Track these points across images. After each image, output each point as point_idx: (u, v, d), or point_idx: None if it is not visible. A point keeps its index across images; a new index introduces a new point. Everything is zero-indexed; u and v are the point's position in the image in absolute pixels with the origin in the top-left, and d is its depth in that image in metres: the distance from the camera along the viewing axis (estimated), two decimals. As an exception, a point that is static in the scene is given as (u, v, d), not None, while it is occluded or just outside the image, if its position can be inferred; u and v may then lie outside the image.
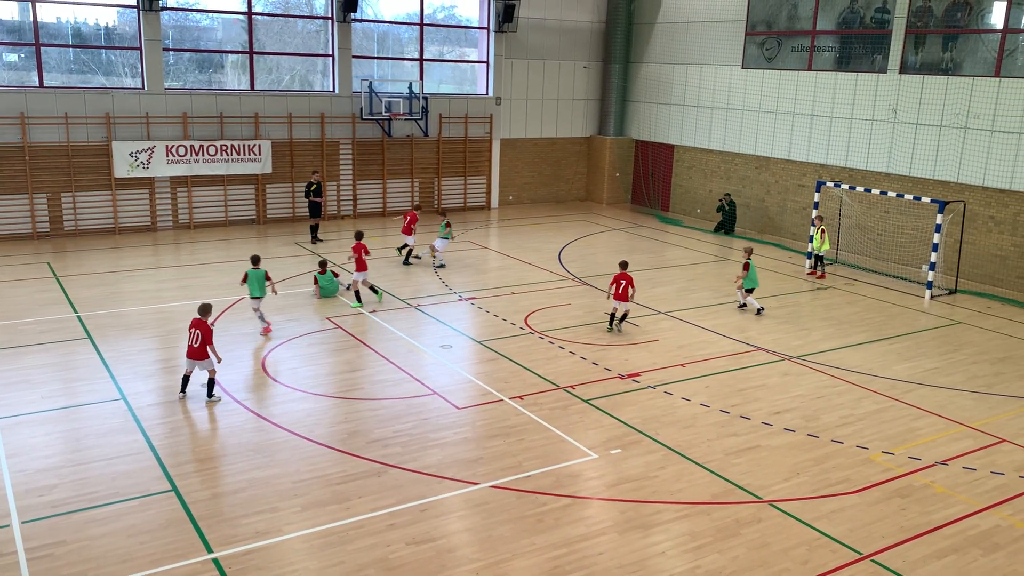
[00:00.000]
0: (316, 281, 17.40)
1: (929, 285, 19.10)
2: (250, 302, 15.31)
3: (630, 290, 15.54)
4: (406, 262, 20.62)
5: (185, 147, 23.29)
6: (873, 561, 8.67)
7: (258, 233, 23.78)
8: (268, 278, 15.09)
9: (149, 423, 11.35)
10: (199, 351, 11.90)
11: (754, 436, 11.55)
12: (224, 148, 23.81)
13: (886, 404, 12.84)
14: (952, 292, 19.62)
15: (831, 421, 12.12)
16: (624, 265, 15.92)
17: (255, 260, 15.21)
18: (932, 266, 19.09)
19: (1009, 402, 13.09)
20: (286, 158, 25.00)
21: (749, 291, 17.39)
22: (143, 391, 12.42)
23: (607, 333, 15.72)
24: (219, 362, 12.32)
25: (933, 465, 10.85)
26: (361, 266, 16.86)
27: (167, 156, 23.09)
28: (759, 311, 17.34)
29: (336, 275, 17.89)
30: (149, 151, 22.86)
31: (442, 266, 20.37)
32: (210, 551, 8.48)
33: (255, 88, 24.69)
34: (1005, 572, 8.58)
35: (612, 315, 15.86)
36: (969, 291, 19.76)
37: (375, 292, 17.21)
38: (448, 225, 20.67)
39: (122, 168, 22.66)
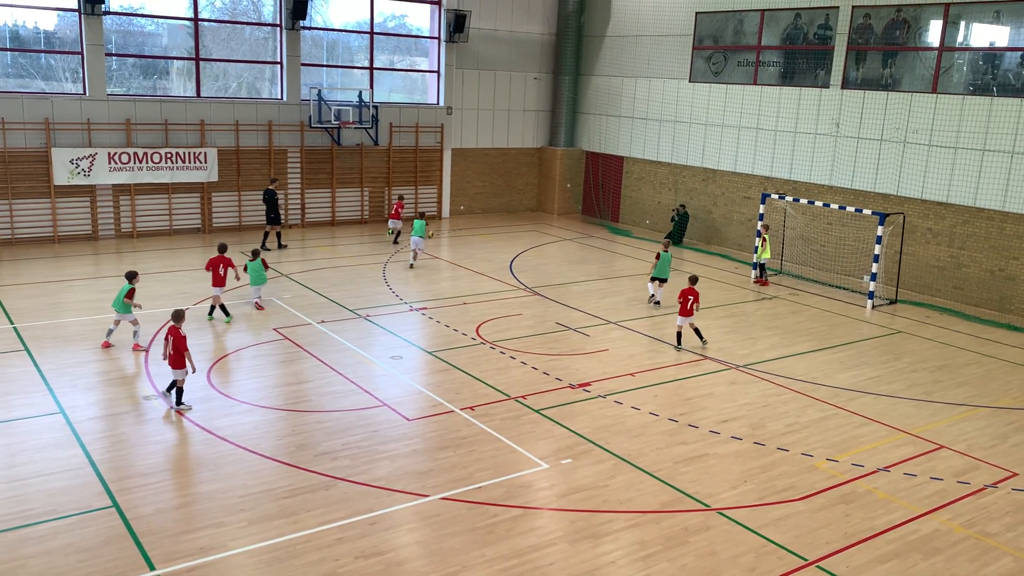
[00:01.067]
0: (245, 268, 16.90)
1: (871, 295, 19.58)
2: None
3: (696, 305, 15.59)
4: (395, 242, 24.10)
5: (128, 154, 22.79)
6: (819, 567, 8.82)
7: (203, 242, 23.35)
8: (128, 296, 14.28)
9: (89, 437, 11.03)
10: (174, 359, 11.86)
11: (702, 444, 11.67)
12: (169, 156, 23.37)
13: (830, 412, 13.09)
14: (893, 302, 20.13)
15: (777, 429, 12.32)
16: (693, 280, 15.97)
17: (128, 276, 14.49)
18: (873, 277, 19.57)
19: (947, 409, 13.46)
20: (233, 166, 24.62)
21: (660, 281, 18.40)
22: (83, 404, 12.08)
23: (676, 350, 15.65)
24: (192, 372, 12.18)
25: (875, 472, 11.09)
26: (217, 282, 16.07)
27: (109, 163, 22.57)
28: (654, 300, 18.52)
29: (267, 266, 17.16)
30: (90, 158, 22.32)
31: (411, 266, 21.35)
32: (152, 568, 8.25)
33: (201, 95, 24.31)
34: (945, 575, 8.78)
35: (679, 334, 15.81)
36: (909, 301, 20.30)
37: (225, 314, 16.23)
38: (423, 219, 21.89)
39: (62, 175, 22.08)
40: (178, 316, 12.15)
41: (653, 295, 18.63)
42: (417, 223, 21.20)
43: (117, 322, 14.55)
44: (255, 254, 17.19)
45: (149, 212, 23.80)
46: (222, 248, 16.58)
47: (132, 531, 8.88)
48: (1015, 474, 11.21)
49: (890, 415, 13.06)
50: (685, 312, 15.60)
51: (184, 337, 11.99)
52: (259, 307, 17.18)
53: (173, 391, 12.09)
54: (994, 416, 13.23)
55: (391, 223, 24.30)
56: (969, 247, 19.99)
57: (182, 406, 11.99)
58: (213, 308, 16.27)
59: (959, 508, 10.22)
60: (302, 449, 10.97)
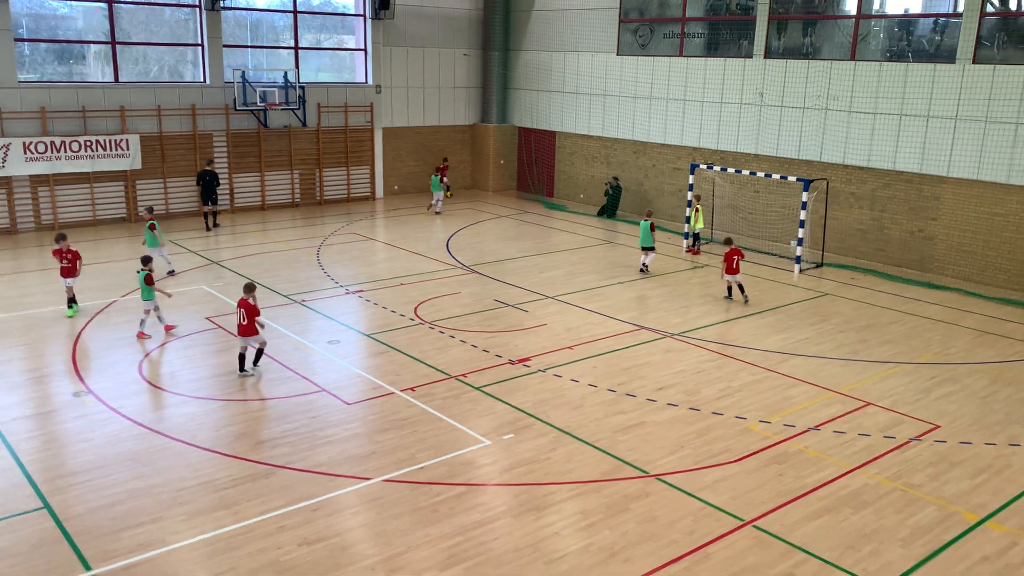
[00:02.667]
0: (153, 227, 17.53)
1: (798, 260, 20.10)
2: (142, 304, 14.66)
3: (739, 262, 17.17)
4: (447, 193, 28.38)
5: (45, 144, 21.96)
6: (755, 527, 9.10)
7: (130, 232, 22.71)
8: (148, 281, 14.34)
9: (16, 438, 10.70)
10: (248, 328, 12.57)
11: (640, 413, 11.90)
12: (88, 144, 22.60)
13: (762, 375, 13.46)
14: (819, 265, 20.71)
15: (711, 394, 12.62)
16: (729, 242, 17.39)
17: (143, 261, 14.57)
18: (800, 241, 20.09)
19: (873, 367, 13.95)
20: (156, 153, 23.95)
21: (645, 250, 19.45)
22: (8, 404, 11.68)
23: (726, 300, 17.36)
24: (262, 328, 12.92)
25: (806, 431, 11.46)
26: (65, 272, 15.45)
27: (25, 154, 21.72)
28: (642, 267, 19.61)
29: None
30: (4, 149, 21.44)
31: (438, 212, 26.00)
32: (88, 568, 8.09)
33: (120, 80, 23.52)
34: (874, 527, 9.16)
35: (730, 288, 17.44)
36: (834, 264, 20.91)
37: (70, 306, 15.62)
38: (441, 178, 26.45)
39: (-26, 168, 21.19)
40: (249, 288, 12.72)
41: (645, 265, 19.64)
42: (434, 179, 25.98)
43: (148, 311, 14.57)
44: (150, 210, 18.10)
45: (71, 203, 23.02)
46: (59, 238, 15.73)
47: (65, 532, 8.67)
48: (937, 427, 11.70)
49: (819, 375, 13.48)
50: (731, 271, 17.06)
51: (255, 306, 12.59)
52: (171, 273, 18.08)
53: (251, 358, 12.92)
54: (917, 372, 13.76)
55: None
56: (890, 209, 20.65)
57: (254, 370, 12.87)
58: (71, 301, 15.64)
59: (886, 462, 10.64)
60: (240, 439, 10.84)
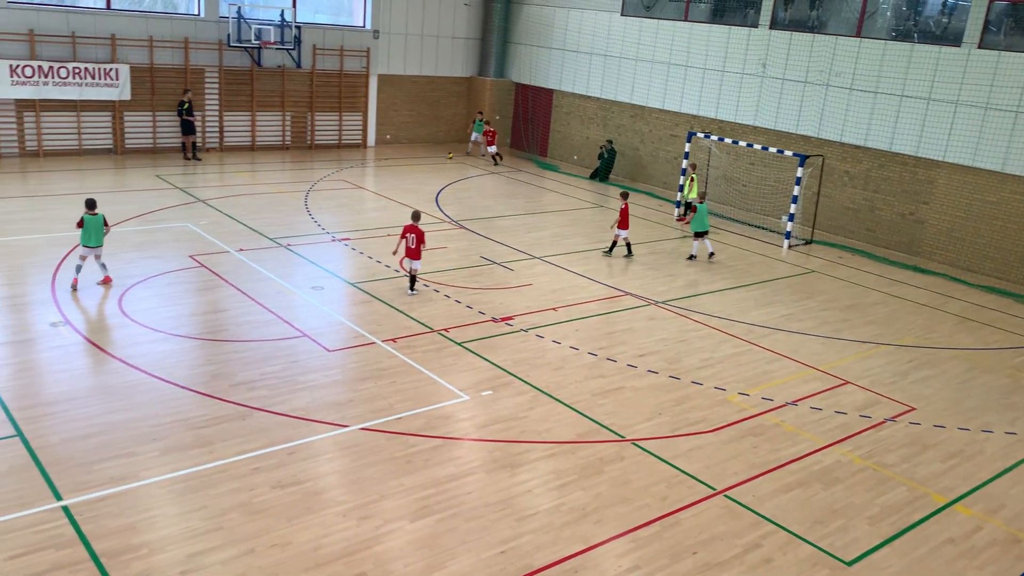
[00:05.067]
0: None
1: (787, 235, 20.07)
2: (84, 251, 13.33)
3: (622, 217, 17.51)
4: (496, 163, 27.41)
5: (32, 67, 21.47)
6: (726, 496, 9.17)
7: (115, 164, 22.37)
8: (106, 224, 13.43)
9: (-9, 365, 10.59)
10: (416, 251, 14.06)
11: (619, 378, 11.91)
12: (77, 71, 22.11)
13: (743, 348, 13.49)
14: (808, 242, 20.70)
15: (692, 364, 12.64)
16: (625, 195, 17.81)
17: (91, 205, 13.46)
18: (791, 217, 20.04)
19: (854, 346, 14.01)
20: (147, 84, 23.48)
21: (700, 235, 18.03)
22: (-16, 330, 11.56)
23: (604, 256, 17.76)
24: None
25: (784, 405, 11.52)
26: None
27: (11, 76, 21.23)
28: (699, 255, 18.34)
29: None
30: (-10, 70, 20.97)
31: (468, 153, 28.38)
32: (59, 498, 8.05)
33: (112, 7, 22.95)
34: (843, 504, 9.25)
35: (614, 243, 17.80)
36: (823, 241, 20.90)
37: None
38: (481, 120, 28.01)
39: (-42, 87, 20.71)
40: (416, 216, 14.27)
41: (697, 254, 18.26)
42: (478, 123, 27.91)
43: (84, 257, 13.41)
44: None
45: (56, 130, 22.59)
46: None
47: (37, 460, 8.62)
48: (913, 408, 11.80)
49: (800, 351, 13.53)
50: (623, 225, 17.44)
51: (424, 233, 14.15)
52: None
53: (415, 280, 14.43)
54: (896, 353, 13.84)
55: (490, 148, 27.49)
56: (883, 190, 20.61)
57: (414, 291, 14.33)
58: None
59: (860, 440, 10.72)
60: (218, 379, 10.77)
